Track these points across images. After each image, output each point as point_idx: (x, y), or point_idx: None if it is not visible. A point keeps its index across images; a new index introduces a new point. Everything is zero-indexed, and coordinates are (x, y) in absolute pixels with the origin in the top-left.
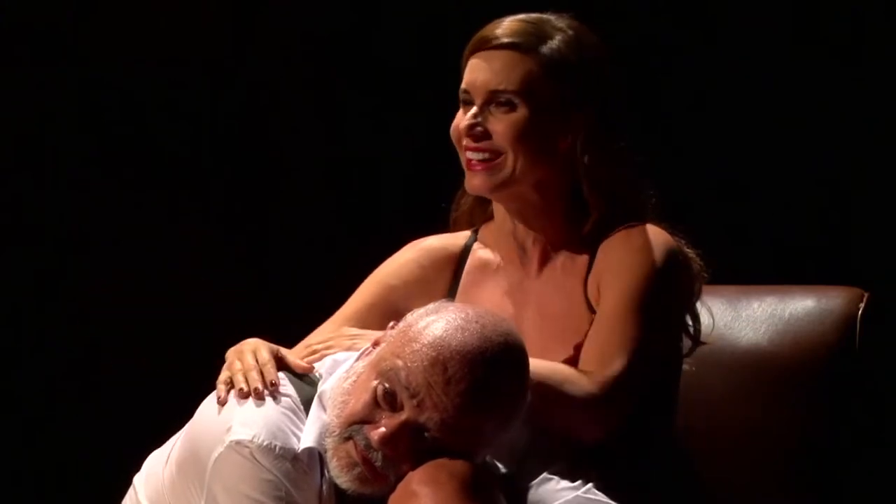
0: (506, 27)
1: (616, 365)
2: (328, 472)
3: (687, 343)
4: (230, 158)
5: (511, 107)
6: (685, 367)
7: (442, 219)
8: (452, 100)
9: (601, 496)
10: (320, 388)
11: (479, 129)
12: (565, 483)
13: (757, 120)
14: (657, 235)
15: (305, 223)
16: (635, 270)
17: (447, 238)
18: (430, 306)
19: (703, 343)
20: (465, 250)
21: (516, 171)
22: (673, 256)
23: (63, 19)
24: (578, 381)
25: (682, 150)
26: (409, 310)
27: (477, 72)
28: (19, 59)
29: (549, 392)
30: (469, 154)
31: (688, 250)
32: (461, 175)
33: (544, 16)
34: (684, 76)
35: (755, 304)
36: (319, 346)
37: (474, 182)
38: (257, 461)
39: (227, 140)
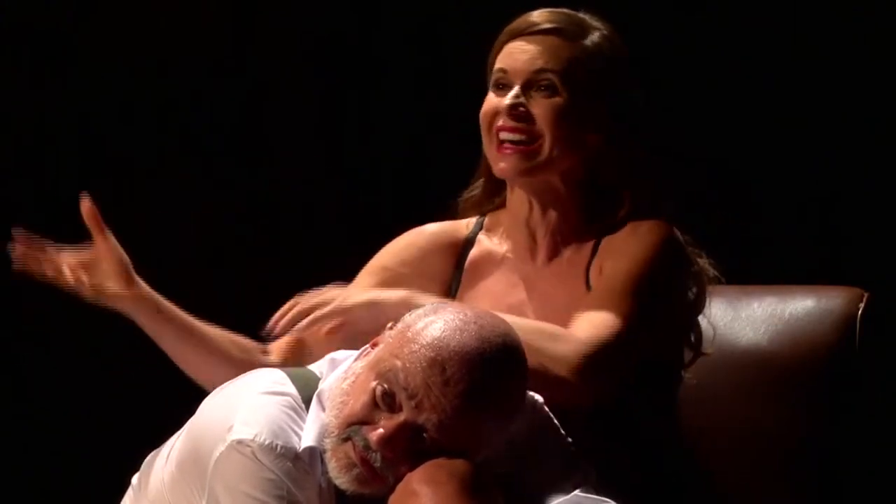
0: (544, 16)
1: (605, 328)
2: (328, 471)
3: (688, 354)
4: (229, 158)
5: (552, 91)
6: (687, 379)
7: (444, 217)
8: (452, 100)
9: (600, 495)
10: (320, 386)
11: (522, 108)
12: (563, 482)
13: (757, 120)
14: (664, 226)
15: (305, 222)
16: (636, 253)
17: (450, 224)
18: (429, 307)
19: (704, 354)
20: (470, 238)
21: (551, 158)
22: (676, 247)
23: (63, 19)
24: (563, 340)
25: (682, 150)
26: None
27: (518, 54)
28: (16, 59)
29: (535, 350)
30: (504, 135)
31: (701, 259)
32: (463, 173)
33: (578, 13)
34: (684, 75)
35: (755, 304)
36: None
37: (505, 164)
38: (259, 460)
39: (225, 140)
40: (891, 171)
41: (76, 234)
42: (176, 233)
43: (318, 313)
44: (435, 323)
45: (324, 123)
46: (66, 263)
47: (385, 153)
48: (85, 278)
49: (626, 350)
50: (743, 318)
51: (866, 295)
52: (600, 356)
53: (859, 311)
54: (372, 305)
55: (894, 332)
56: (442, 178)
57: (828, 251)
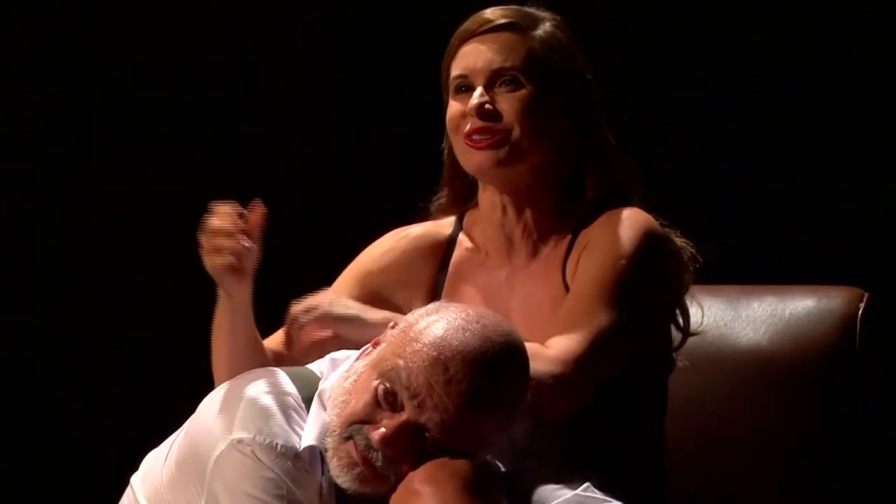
0: (497, 13)
1: (580, 343)
2: (328, 470)
3: (676, 337)
4: (228, 157)
5: (516, 84)
6: (679, 363)
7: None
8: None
9: (599, 495)
10: (320, 386)
11: (489, 107)
12: (564, 482)
13: (757, 120)
14: (638, 216)
15: (303, 221)
16: (613, 250)
17: (431, 226)
18: (431, 306)
19: (693, 334)
20: (452, 239)
21: (522, 148)
22: (653, 237)
23: (63, 18)
24: (536, 359)
25: (682, 150)
26: (392, 298)
27: (474, 55)
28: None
29: None
30: (475, 136)
31: (678, 239)
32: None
33: (525, 7)
34: (682, 74)
35: (755, 304)
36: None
37: (478, 159)
38: (259, 459)
39: (225, 139)
40: (891, 171)
41: (73, 233)
42: (173, 231)
43: (304, 317)
44: (437, 322)
45: (321, 121)
46: (223, 214)
47: (384, 152)
48: (222, 243)
49: (599, 364)
50: (743, 318)
51: (866, 295)
52: (572, 374)
53: (859, 311)
54: (357, 321)
55: (894, 332)
56: (432, 178)
57: (828, 251)
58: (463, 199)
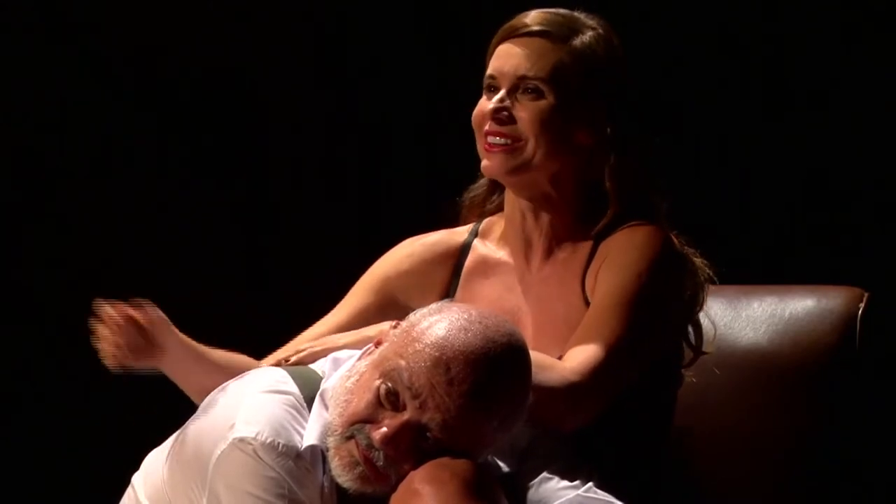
0: (536, 17)
1: (595, 357)
2: (330, 470)
3: (688, 354)
4: (230, 156)
5: (538, 94)
6: (687, 378)
7: (446, 216)
8: (455, 99)
9: (602, 495)
10: (322, 386)
11: (504, 113)
12: (566, 482)
13: (756, 119)
14: (660, 236)
15: (305, 222)
16: (631, 266)
17: (446, 233)
18: (433, 306)
19: (705, 353)
20: (466, 245)
21: (535, 159)
22: (673, 258)
23: (66, 16)
24: (552, 370)
25: (681, 150)
26: (408, 303)
27: (505, 58)
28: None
29: None
30: (490, 139)
31: (696, 259)
32: (465, 170)
33: (574, 12)
34: (680, 72)
35: (755, 304)
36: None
37: (491, 164)
38: (260, 458)
39: (226, 138)
40: (891, 170)
41: (75, 232)
42: (175, 231)
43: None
44: (440, 322)
45: (325, 121)
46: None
47: (387, 150)
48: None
49: (615, 376)
50: (743, 318)
51: (866, 295)
52: (587, 386)
53: (859, 311)
54: (363, 341)
55: (894, 332)
56: (446, 175)
57: (828, 251)
58: (494, 195)
